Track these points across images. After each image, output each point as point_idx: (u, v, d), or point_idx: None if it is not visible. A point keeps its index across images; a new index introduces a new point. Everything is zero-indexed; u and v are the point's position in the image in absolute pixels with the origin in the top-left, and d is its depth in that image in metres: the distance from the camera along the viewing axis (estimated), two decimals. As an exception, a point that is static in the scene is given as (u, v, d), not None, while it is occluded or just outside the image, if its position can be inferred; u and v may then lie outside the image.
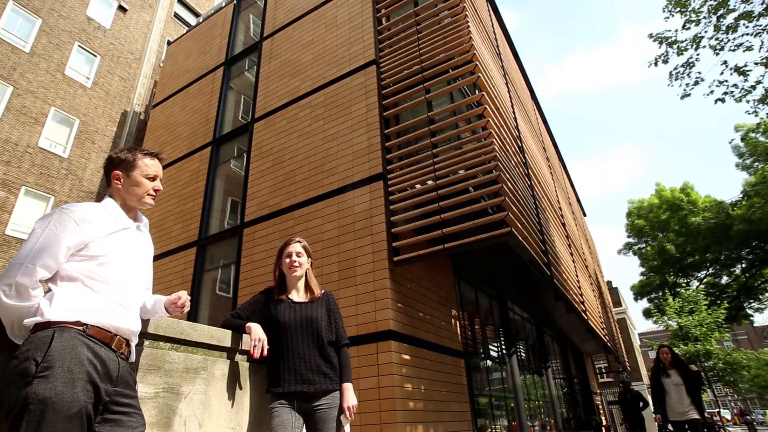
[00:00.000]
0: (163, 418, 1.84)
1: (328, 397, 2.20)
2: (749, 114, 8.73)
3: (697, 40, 8.56)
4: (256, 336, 2.20)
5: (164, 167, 10.17)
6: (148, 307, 1.81)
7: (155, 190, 1.75)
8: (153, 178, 1.74)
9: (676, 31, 8.71)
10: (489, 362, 8.63)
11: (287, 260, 2.43)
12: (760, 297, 26.84)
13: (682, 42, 8.73)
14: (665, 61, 8.86)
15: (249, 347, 2.34)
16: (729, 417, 35.65)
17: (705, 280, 28.82)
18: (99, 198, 10.97)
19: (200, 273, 8.22)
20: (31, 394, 1.20)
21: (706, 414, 6.03)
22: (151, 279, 1.81)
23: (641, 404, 9.66)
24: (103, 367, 1.37)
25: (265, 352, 2.18)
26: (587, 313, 11.56)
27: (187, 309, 1.87)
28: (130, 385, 1.50)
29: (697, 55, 8.70)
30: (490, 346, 8.96)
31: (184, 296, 1.84)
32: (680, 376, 5.56)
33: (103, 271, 1.48)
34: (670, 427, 5.84)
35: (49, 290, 1.41)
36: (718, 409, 27.78)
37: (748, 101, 8.38)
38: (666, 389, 5.63)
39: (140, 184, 1.70)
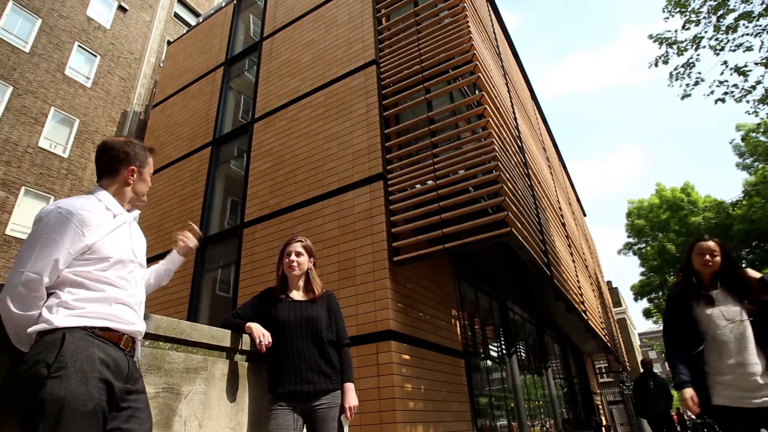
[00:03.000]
0: (163, 418, 1.84)
1: (328, 397, 2.19)
2: (749, 114, 8.74)
3: (697, 41, 8.57)
4: (259, 331, 2.20)
5: (164, 167, 10.23)
6: (152, 281, 1.94)
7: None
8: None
9: (676, 31, 8.72)
10: (489, 362, 8.63)
11: (286, 260, 2.44)
12: (760, 297, 26.80)
13: (682, 42, 8.75)
14: (665, 62, 8.87)
15: (250, 347, 2.34)
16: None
17: (705, 280, 28.75)
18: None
19: (200, 273, 8.22)
20: (46, 394, 1.19)
21: None
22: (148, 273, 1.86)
23: (665, 399, 6.84)
24: (114, 365, 1.37)
25: (263, 345, 2.18)
26: (587, 313, 11.56)
27: (193, 241, 2.09)
28: (139, 381, 1.51)
29: (697, 55, 8.72)
30: (490, 346, 8.95)
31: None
32: (739, 302, 2.34)
33: (105, 270, 1.46)
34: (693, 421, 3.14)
35: (53, 296, 1.38)
36: None
37: (748, 101, 8.41)
38: (706, 331, 2.34)
39: (148, 182, 1.70)
